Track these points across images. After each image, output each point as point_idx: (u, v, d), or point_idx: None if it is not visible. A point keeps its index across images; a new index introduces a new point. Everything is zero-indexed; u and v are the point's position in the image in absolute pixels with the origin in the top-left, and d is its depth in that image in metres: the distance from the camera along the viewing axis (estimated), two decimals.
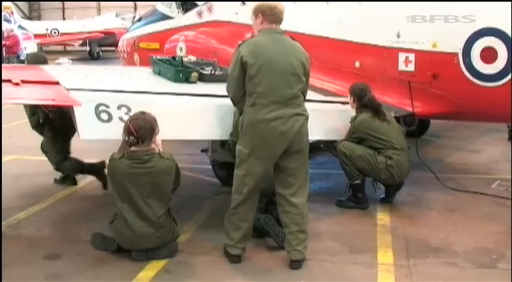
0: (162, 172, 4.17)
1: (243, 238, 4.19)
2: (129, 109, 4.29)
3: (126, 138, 4.12)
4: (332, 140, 5.62)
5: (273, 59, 3.94)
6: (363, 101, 5.39)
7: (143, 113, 4.16)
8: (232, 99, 4.19)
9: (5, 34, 16.99)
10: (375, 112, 5.35)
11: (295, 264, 4.13)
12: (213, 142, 5.60)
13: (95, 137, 4.20)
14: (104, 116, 4.19)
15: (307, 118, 4.08)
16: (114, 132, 4.19)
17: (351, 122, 5.42)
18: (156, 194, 4.18)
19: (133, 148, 4.17)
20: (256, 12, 4.09)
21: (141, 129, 4.09)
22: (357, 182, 5.38)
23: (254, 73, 3.91)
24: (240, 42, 4.13)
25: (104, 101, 4.25)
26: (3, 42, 16.60)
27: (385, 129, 5.33)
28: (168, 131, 4.29)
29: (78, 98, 4.23)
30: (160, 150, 4.27)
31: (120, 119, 4.23)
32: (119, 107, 4.28)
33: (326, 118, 5.41)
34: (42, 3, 34.94)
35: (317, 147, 7.59)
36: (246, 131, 3.98)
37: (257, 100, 3.93)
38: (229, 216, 4.20)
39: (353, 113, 5.46)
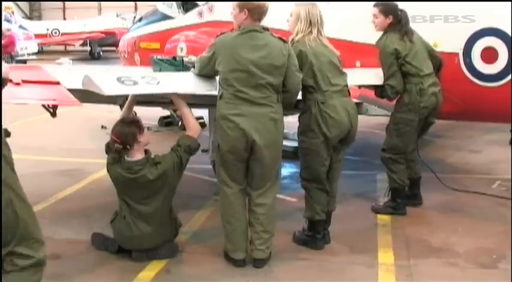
0: (154, 180, 4.15)
1: (245, 239, 4.19)
2: (152, 78, 4.26)
3: (113, 147, 4.17)
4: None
5: (249, 59, 3.89)
6: (399, 16, 5.01)
7: (122, 120, 4.27)
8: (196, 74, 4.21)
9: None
10: (405, 31, 4.99)
11: (258, 262, 4.14)
12: (214, 142, 5.60)
13: (120, 92, 4.15)
14: (129, 83, 4.13)
15: (277, 119, 4.00)
16: (142, 90, 4.20)
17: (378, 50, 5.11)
18: (152, 197, 4.18)
19: (126, 158, 4.19)
20: (242, 7, 3.98)
21: (121, 135, 4.14)
22: (397, 185, 5.25)
23: (226, 70, 3.94)
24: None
25: (124, 75, 4.20)
26: None
27: (413, 51, 4.99)
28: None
29: (99, 73, 4.21)
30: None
31: (148, 82, 4.17)
32: (142, 77, 4.23)
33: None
34: (42, 3, 34.96)
35: None
36: (217, 125, 4.04)
37: (225, 94, 3.95)
38: (226, 218, 4.21)
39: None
